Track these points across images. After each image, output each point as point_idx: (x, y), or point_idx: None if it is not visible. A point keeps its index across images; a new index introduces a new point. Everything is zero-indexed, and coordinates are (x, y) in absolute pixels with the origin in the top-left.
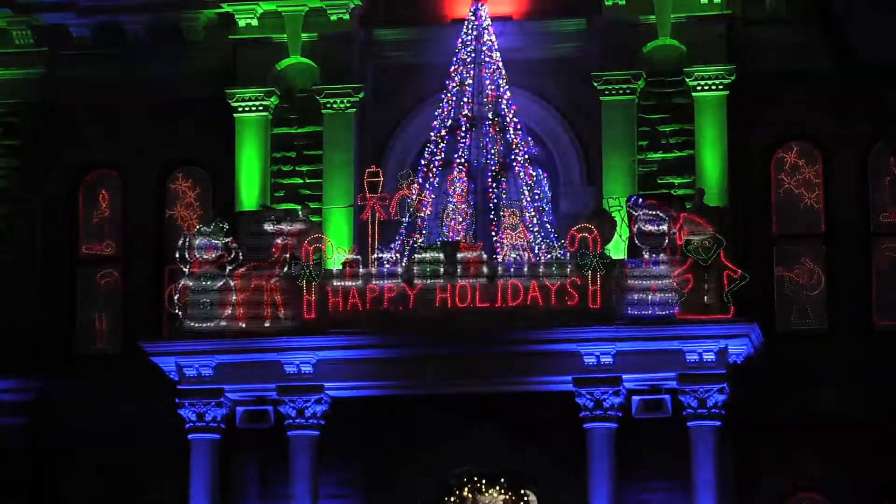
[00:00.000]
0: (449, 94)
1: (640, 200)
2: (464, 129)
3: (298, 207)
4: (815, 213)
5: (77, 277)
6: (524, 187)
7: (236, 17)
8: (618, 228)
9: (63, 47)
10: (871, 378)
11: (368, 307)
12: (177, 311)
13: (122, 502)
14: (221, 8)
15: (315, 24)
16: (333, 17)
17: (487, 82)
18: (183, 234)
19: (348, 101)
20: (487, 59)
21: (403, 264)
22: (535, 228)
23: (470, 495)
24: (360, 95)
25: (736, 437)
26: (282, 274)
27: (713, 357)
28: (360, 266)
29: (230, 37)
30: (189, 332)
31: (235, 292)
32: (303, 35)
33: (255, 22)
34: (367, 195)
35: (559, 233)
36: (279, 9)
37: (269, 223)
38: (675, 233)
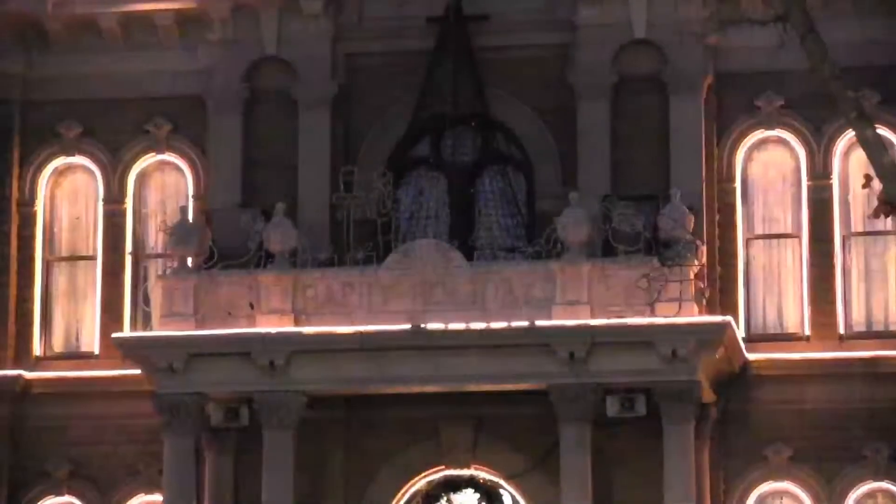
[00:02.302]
0: (424, 92)
1: (615, 200)
2: (440, 127)
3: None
4: (789, 214)
5: (53, 274)
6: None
7: (208, 10)
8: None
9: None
10: (840, 378)
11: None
12: (150, 307)
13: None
14: (195, 5)
15: (287, 18)
16: (306, 13)
17: (465, 82)
18: (160, 232)
19: (322, 99)
20: (465, 58)
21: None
22: (510, 227)
23: (445, 493)
24: (334, 93)
25: (708, 434)
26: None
27: (686, 355)
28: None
29: (202, 31)
30: (164, 327)
31: (209, 288)
32: (276, 31)
33: (228, 18)
34: (343, 194)
35: (535, 231)
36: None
37: (244, 220)
38: (649, 232)
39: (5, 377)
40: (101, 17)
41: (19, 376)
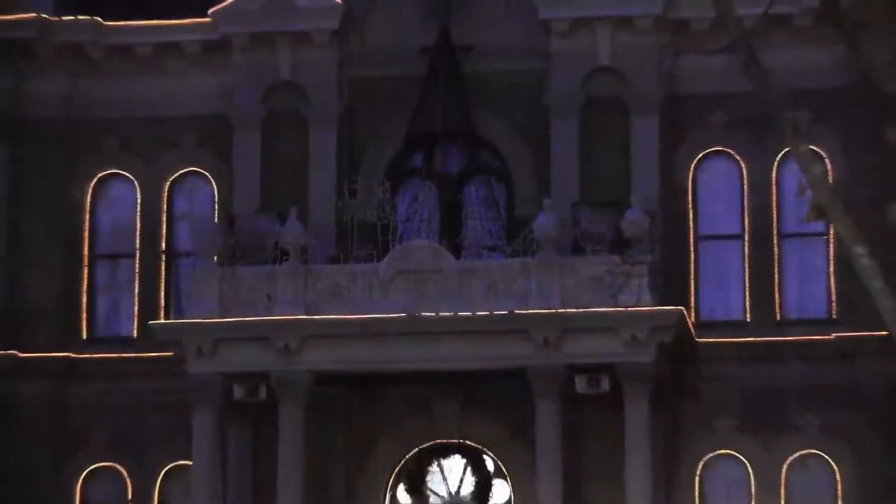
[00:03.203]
0: (417, 112)
1: (586, 205)
2: (432, 143)
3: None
4: (734, 218)
5: (97, 269)
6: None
7: (231, 40)
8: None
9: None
10: (777, 359)
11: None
12: (182, 297)
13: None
14: (216, 29)
15: (299, 47)
16: (315, 43)
17: (453, 103)
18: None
19: (329, 118)
20: (453, 82)
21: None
22: (492, 229)
23: (436, 459)
24: (340, 112)
25: (664, 407)
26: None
27: (645, 339)
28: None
29: (226, 58)
30: (193, 316)
31: (232, 281)
32: (289, 59)
33: (248, 47)
34: (348, 200)
35: (514, 233)
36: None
37: (262, 222)
38: (612, 233)
39: (55, 358)
40: (137, 46)
41: (67, 357)
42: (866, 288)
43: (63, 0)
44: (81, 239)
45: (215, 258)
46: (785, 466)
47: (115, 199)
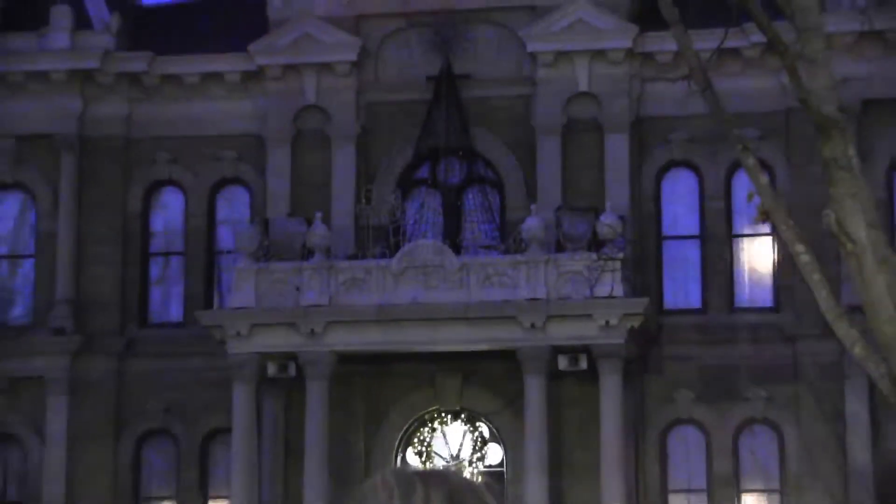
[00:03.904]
0: (423, 131)
1: (567, 210)
2: (436, 157)
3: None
4: (693, 221)
5: (152, 265)
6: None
7: (265, 71)
8: None
9: (139, 94)
10: (730, 340)
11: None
12: (223, 288)
13: (195, 422)
14: (253, 61)
15: (323, 76)
16: (338, 73)
17: (454, 123)
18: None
19: (349, 136)
20: (454, 106)
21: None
22: (487, 230)
23: (440, 425)
24: (358, 132)
25: (633, 382)
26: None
27: (617, 324)
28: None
29: (261, 85)
30: (233, 304)
31: (266, 275)
32: (315, 86)
33: (280, 73)
34: (364, 206)
35: (506, 233)
36: (298, 64)
37: (294, 224)
38: (590, 234)
39: (116, 339)
40: (185, 75)
41: (126, 338)
42: (805, 280)
43: (122, 36)
44: (137, 239)
45: (252, 256)
46: (736, 432)
47: (165, 205)
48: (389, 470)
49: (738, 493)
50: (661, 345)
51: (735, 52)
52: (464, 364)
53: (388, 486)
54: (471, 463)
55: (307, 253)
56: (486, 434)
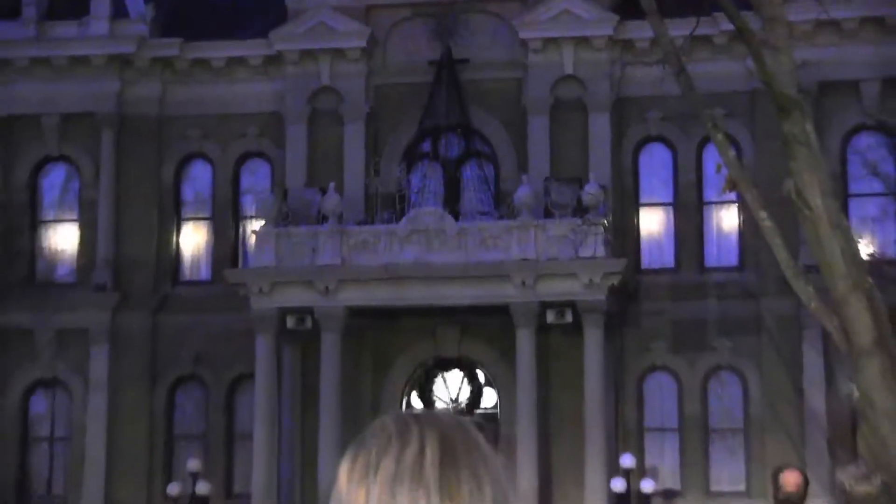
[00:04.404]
0: (426, 110)
1: (554, 180)
2: (437, 133)
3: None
4: (667, 190)
5: (183, 228)
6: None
7: (284, 55)
8: None
9: (171, 76)
10: (700, 297)
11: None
12: (247, 250)
13: (222, 370)
14: (273, 46)
15: (336, 61)
16: (349, 58)
17: (453, 103)
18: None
19: (359, 115)
20: (454, 87)
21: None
22: (483, 199)
23: (440, 372)
24: (367, 111)
25: (613, 334)
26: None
27: (599, 282)
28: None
29: (280, 68)
30: (255, 264)
31: (285, 239)
32: (329, 69)
33: (297, 58)
34: (373, 177)
35: (500, 201)
36: (313, 49)
37: (310, 193)
38: (575, 202)
39: (152, 295)
40: (212, 59)
41: (160, 295)
42: (767, 243)
43: (156, 24)
44: (170, 206)
45: (272, 221)
46: (705, 378)
47: (195, 176)
48: (388, 414)
49: (707, 432)
50: (639, 301)
51: (706, 39)
52: (462, 318)
53: (387, 427)
54: (468, 406)
55: (322, 218)
56: (482, 380)
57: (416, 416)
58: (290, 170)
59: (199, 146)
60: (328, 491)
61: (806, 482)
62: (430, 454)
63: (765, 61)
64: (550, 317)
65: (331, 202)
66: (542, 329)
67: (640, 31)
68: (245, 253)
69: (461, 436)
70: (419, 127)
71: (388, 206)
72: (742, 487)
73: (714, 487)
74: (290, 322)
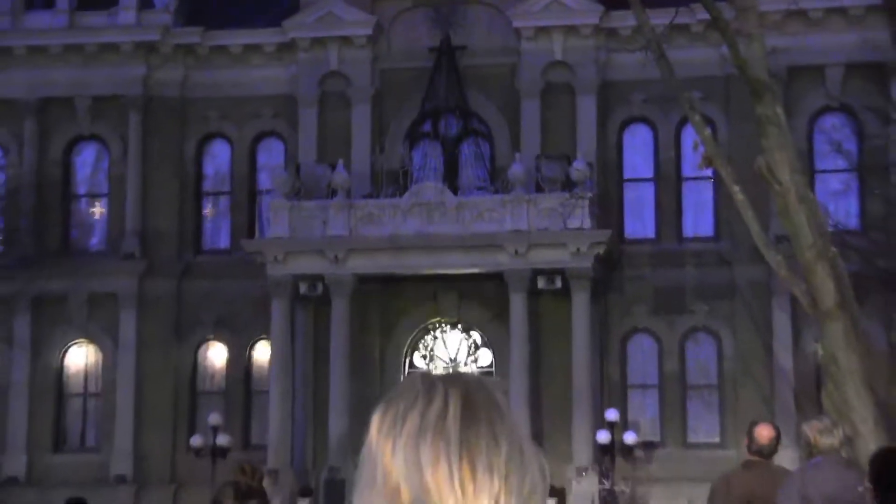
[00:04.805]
0: (427, 93)
1: (545, 158)
2: (437, 114)
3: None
4: (649, 166)
5: (203, 202)
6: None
7: (296, 42)
8: None
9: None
10: (680, 264)
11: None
12: (263, 222)
13: (241, 331)
14: (286, 34)
15: (344, 48)
16: (356, 45)
17: (452, 86)
18: (272, 177)
19: (365, 97)
20: (452, 72)
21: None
22: (480, 175)
23: (440, 334)
24: (373, 94)
25: (598, 298)
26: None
27: (585, 251)
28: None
29: (293, 54)
30: (271, 235)
31: (298, 211)
32: (337, 55)
33: (308, 45)
34: (378, 154)
35: (495, 177)
36: (323, 37)
37: (321, 169)
38: (564, 177)
39: (176, 263)
40: (230, 46)
41: (183, 263)
42: (741, 215)
43: (179, 13)
44: (192, 181)
45: (286, 195)
46: (682, 338)
47: (215, 154)
48: (417, 372)
49: (684, 388)
50: (622, 268)
51: (684, 28)
52: (460, 284)
53: (415, 385)
54: (465, 364)
55: (331, 193)
56: (479, 341)
57: (442, 376)
58: (302, 148)
59: (218, 126)
60: (338, 441)
61: (778, 436)
62: (453, 411)
63: (738, 48)
64: (541, 283)
65: (340, 178)
66: (534, 294)
67: (623, 20)
68: (261, 224)
69: (482, 395)
70: (421, 108)
71: (392, 181)
72: (717, 439)
73: (691, 439)
74: (303, 288)
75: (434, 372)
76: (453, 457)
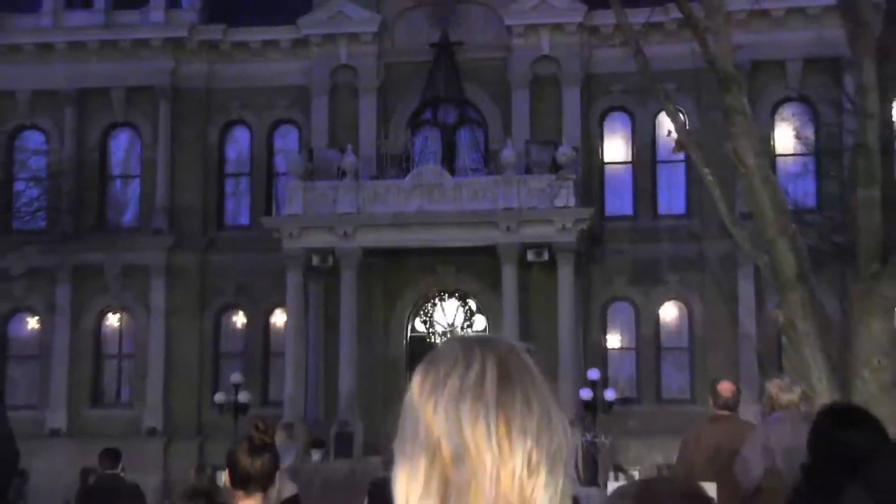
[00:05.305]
0: (427, 84)
1: (534, 143)
2: (437, 103)
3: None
4: (627, 151)
5: (225, 183)
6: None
7: (309, 39)
8: None
9: (216, 56)
10: (653, 240)
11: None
12: (280, 200)
13: (259, 299)
14: (300, 31)
15: (353, 43)
16: (362, 41)
17: (450, 78)
18: (288, 160)
19: (371, 88)
20: (450, 65)
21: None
22: (475, 158)
23: (439, 302)
24: (378, 85)
25: (582, 270)
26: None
27: (570, 227)
28: (380, 177)
29: (306, 49)
30: (286, 213)
31: (310, 191)
32: (346, 50)
33: (321, 41)
34: (384, 140)
35: (488, 160)
36: (334, 33)
37: (331, 153)
38: (550, 160)
39: (200, 238)
40: (250, 42)
41: (207, 237)
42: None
43: (204, 13)
44: (215, 163)
45: (300, 177)
46: (657, 306)
47: (236, 139)
48: (454, 337)
49: (659, 351)
50: (603, 242)
51: (659, 26)
52: (457, 257)
53: (454, 349)
54: (462, 329)
55: (341, 174)
56: (474, 308)
57: (479, 341)
58: (315, 134)
59: (239, 114)
60: (346, 398)
61: (738, 390)
62: (490, 375)
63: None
64: (530, 256)
65: (348, 161)
66: (523, 266)
67: (605, 18)
68: (278, 203)
69: (514, 359)
70: (421, 98)
71: (395, 164)
72: (687, 396)
73: (664, 396)
74: (315, 260)
75: (469, 336)
76: (491, 418)
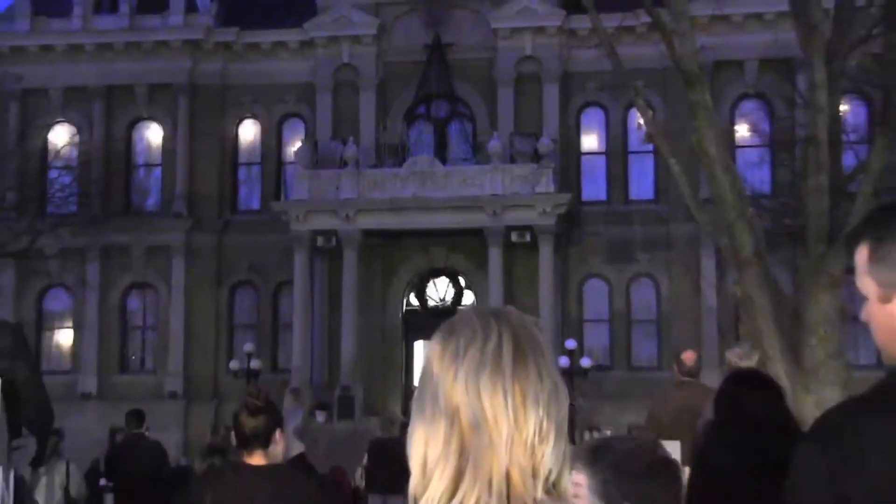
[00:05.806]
0: (421, 82)
1: (517, 135)
2: (430, 99)
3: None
4: (602, 142)
5: (238, 172)
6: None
7: (315, 40)
8: None
9: (230, 56)
10: (626, 222)
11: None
12: (288, 186)
13: (269, 276)
14: (307, 34)
15: (354, 44)
16: (363, 42)
17: (442, 76)
18: (295, 151)
19: (371, 85)
20: (442, 64)
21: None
22: (465, 149)
23: (432, 278)
24: (378, 82)
25: (561, 251)
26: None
27: (550, 211)
28: (379, 165)
29: (312, 50)
30: (293, 198)
31: (315, 178)
32: (348, 50)
33: (325, 42)
34: (382, 132)
35: (476, 151)
36: (337, 35)
37: (335, 144)
38: (532, 151)
39: (216, 220)
40: (261, 43)
41: (223, 220)
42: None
43: (219, 17)
44: (229, 153)
45: (306, 165)
46: (628, 282)
47: (248, 131)
48: (470, 308)
49: (630, 322)
50: (580, 225)
51: (631, 29)
52: (448, 239)
53: (472, 321)
54: (453, 304)
55: (343, 163)
56: (463, 284)
57: (494, 313)
58: (320, 126)
59: (251, 109)
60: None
61: (700, 358)
62: (506, 348)
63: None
64: (514, 237)
65: (350, 151)
66: (508, 246)
67: (581, 22)
68: (286, 189)
69: (526, 332)
70: (416, 94)
71: (392, 154)
72: (656, 364)
73: (635, 363)
74: (320, 241)
75: (484, 308)
76: (508, 388)
